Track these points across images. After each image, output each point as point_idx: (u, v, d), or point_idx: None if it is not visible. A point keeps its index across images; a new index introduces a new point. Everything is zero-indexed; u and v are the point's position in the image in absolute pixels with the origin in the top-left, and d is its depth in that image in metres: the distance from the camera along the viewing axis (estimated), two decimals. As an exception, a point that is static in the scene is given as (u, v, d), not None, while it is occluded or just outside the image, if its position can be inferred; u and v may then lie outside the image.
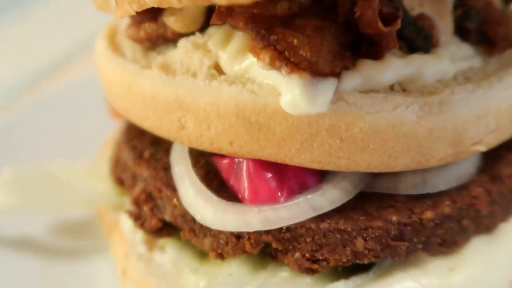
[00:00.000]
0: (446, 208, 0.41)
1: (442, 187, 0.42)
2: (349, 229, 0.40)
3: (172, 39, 0.45)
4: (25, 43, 1.09)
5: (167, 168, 0.46)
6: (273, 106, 0.37)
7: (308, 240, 0.40)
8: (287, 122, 0.37)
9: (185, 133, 0.41)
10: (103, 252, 0.56)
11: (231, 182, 0.43)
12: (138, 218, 0.47)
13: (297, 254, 0.41)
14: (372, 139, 0.37)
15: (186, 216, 0.43)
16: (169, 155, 0.47)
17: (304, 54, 0.36)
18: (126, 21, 0.48)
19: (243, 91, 0.38)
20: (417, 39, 0.40)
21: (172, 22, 0.44)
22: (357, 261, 0.40)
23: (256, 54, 0.37)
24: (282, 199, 0.40)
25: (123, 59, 0.46)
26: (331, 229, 0.40)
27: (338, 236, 0.40)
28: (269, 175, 0.41)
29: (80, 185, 0.54)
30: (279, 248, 0.41)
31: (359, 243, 0.40)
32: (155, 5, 0.38)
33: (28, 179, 0.52)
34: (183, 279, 0.45)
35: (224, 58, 0.41)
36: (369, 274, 0.42)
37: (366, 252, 0.40)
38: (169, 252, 0.47)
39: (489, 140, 0.41)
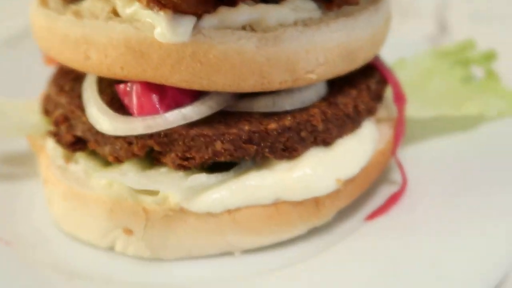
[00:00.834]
0: (287, 121, 0.52)
1: (287, 107, 0.53)
2: (211, 134, 0.51)
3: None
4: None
5: (80, 96, 0.57)
6: (151, 37, 0.48)
7: (180, 143, 0.51)
8: (160, 49, 0.48)
9: (90, 63, 0.52)
10: (36, 178, 0.66)
11: (126, 102, 0.54)
12: (56, 135, 0.58)
13: (172, 154, 0.51)
14: (224, 63, 0.48)
15: (92, 130, 0.54)
16: (83, 87, 0.59)
17: (171, -1, 0.48)
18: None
19: (130, 28, 0.49)
20: None
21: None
22: (217, 158, 0.51)
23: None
24: (161, 112, 0.52)
25: (47, 10, 0.57)
26: (198, 134, 0.50)
27: (202, 139, 0.51)
28: (153, 94, 0.52)
29: (16, 116, 0.63)
30: (159, 150, 0.51)
31: (218, 145, 0.51)
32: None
33: None
34: (90, 181, 0.57)
35: (119, 4, 0.52)
36: (229, 173, 0.53)
37: (223, 151, 0.51)
38: (81, 163, 0.57)
39: (320, 71, 0.52)
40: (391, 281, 0.49)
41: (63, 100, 0.58)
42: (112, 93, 0.56)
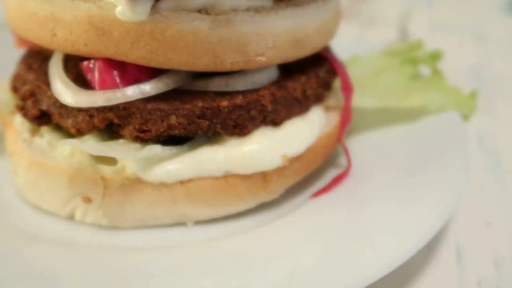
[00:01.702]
0: (238, 100, 0.56)
1: (239, 88, 0.57)
2: (166, 108, 0.54)
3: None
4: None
5: (46, 73, 0.60)
6: (112, 16, 0.51)
7: (138, 116, 0.54)
8: (121, 27, 0.52)
9: (56, 40, 0.56)
10: (4, 156, 0.69)
11: (89, 78, 0.57)
12: (23, 109, 0.61)
13: (130, 127, 0.55)
14: (179, 42, 0.52)
15: (56, 104, 0.57)
16: (50, 66, 0.62)
17: (131, -21, 0.52)
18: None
19: (94, 6, 0.53)
20: None
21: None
22: (171, 132, 0.54)
23: (100, -20, 0.53)
24: (121, 87, 0.56)
25: (18, -9, 0.61)
26: (154, 108, 0.54)
27: (158, 113, 0.54)
28: (114, 71, 0.55)
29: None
30: (118, 123, 0.55)
31: (173, 119, 0.54)
32: None
33: None
34: (54, 152, 0.60)
35: (84, -15, 0.56)
36: (183, 147, 0.57)
37: (177, 125, 0.54)
38: (46, 137, 0.60)
39: (269, 55, 0.56)
40: (331, 250, 0.53)
41: (30, 77, 0.61)
42: (77, 72, 0.59)
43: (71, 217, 0.59)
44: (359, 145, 0.69)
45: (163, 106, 0.55)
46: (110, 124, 0.56)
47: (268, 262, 0.51)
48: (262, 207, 0.61)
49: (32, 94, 0.60)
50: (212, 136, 0.57)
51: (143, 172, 0.56)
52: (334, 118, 0.67)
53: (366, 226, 0.56)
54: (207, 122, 0.55)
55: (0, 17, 1.09)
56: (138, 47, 0.53)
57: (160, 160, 0.56)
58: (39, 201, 0.60)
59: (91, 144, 0.55)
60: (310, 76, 0.62)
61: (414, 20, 1.30)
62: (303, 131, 0.60)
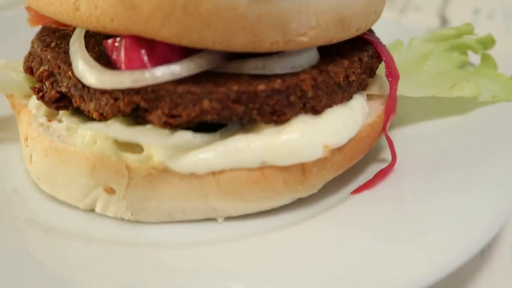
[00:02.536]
0: (277, 84, 0.54)
1: (278, 71, 0.55)
2: (199, 91, 0.52)
3: None
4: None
5: (66, 52, 0.59)
6: (143, -11, 0.51)
7: (167, 99, 0.52)
8: (151, 1, 0.50)
9: (79, 14, 0.54)
10: (17, 142, 0.68)
11: (113, 58, 0.56)
12: (40, 91, 0.60)
13: (159, 111, 0.53)
14: (214, 17, 0.50)
15: (77, 85, 0.56)
16: (70, 44, 0.61)
17: (165, -51, 0.50)
18: None
19: (122, -23, 0.53)
20: None
21: None
22: (203, 117, 0.53)
23: (131, -52, 0.51)
24: (149, 67, 0.54)
25: (36, -39, 0.60)
26: (185, 91, 0.52)
27: (190, 97, 0.52)
28: (142, 49, 0.53)
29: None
30: (145, 107, 0.53)
31: (206, 103, 0.53)
32: None
33: None
34: (73, 137, 0.58)
35: (112, -46, 0.55)
36: (216, 134, 0.55)
37: (210, 110, 0.52)
38: (65, 122, 0.59)
39: (312, 35, 0.54)
40: (372, 247, 0.51)
41: (48, 55, 0.60)
42: (99, 51, 0.58)
43: (90, 209, 0.58)
44: (405, 138, 0.67)
45: (194, 89, 0.53)
46: (136, 108, 0.54)
47: (304, 264, 0.50)
48: (299, 203, 0.60)
49: (51, 75, 0.59)
50: (247, 123, 0.56)
51: (172, 161, 0.54)
52: (378, 107, 0.65)
53: (413, 225, 0.54)
54: (243, 108, 0.54)
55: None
56: (169, 23, 0.51)
57: (190, 148, 0.55)
58: (55, 191, 0.59)
59: (116, 128, 0.53)
60: (353, 60, 0.61)
61: (454, 5, 1.28)
62: (345, 121, 0.59)
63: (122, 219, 0.57)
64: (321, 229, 0.56)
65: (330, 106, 0.59)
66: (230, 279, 0.49)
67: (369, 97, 0.66)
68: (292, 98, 0.55)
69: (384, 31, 0.73)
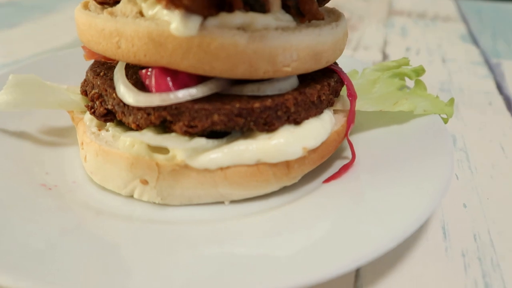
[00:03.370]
0: (268, 102, 0.52)
1: (269, 93, 0.53)
2: (210, 108, 0.50)
3: (119, 0, 0.56)
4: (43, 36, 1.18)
5: (111, 79, 0.56)
6: (168, 31, 0.48)
7: (187, 114, 0.50)
8: (174, 41, 0.48)
9: (120, 51, 0.52)
10: (75, 145, 0.66)
11: (146, 83, 0.53)
12: (92, 108, 0.57)
13: (181, 123, 0.50)
14: (221, 53, 0.48)
15: (120, 104, 0.53)
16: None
17: (184, 2, 0.47)
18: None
19: (152, 24, 0.49)
20: (255, 5, 0.50)
21: (118, -10, 0.55)
22: (214, 127, 0.50)
23: (158, 1, 0.48)
24: (173, 90, 0.51)
25: (88, 11, 0.57)
26: (200, 108, 0.50)
27: (204, 112, 0.50)
28: (168, 77, 0.51)
29: (61, 93, 0.61)
30: (171, 120, 0.51)
31: (215, 117, 0.50)
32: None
33: (25, 84, 0.59)
34: (116, 143, 0.55)
35: (144, 7, 0.51)
36: (223, 140, 0.53)
37: (219, 122, 0.50)
38: (110, 131, 0.56)
39: (293, 66, 0.52)
40: (340, 223, 0.48)
41: (98, 82, 0.57)
42: (136, 79, 0.55)
43: (130, 196, 0.55)
44: (362, 141, 0.64)
45: (207, 106, 0.50)
46: (164, 120, 0.52)
47: (288, 234, 0.47)
48: (285, 189, 0.57)
49: (100, 96, 0.56)
50: (246, 131, 0.53)
51: (190, 160, 0.51)
52: (341, 119, 0.62)
53: (369, 206, 0.51)
54: (243, 120, 0.51)
55: (70, 38, 1.06)
56: (188, 57, 0.48)
57: (204, 150, 0.52)
58: (104, 182, 0.56)
59: (149, 136, 0.50)
60: (323, 85, 0.58)
61: (392, 46, 1.25)
62: (318, 129, 0.56)
63: (154, 203, 0.54)
64: (301, 209, 0.53)
65: (307, 118, 0.56)
66: (235, 246, 0.46)
67: (335, 112, 0.63)
68: (279, 113, 0.53)
69: (345, 62, 0.71)
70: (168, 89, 0.50)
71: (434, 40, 1.30)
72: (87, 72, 0.61)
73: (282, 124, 0.53)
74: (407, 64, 0.75)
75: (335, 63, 0.64)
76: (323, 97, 0.57)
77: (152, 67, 0.52)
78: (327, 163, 0.61)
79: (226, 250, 0.45)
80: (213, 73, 0.50)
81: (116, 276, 0.40)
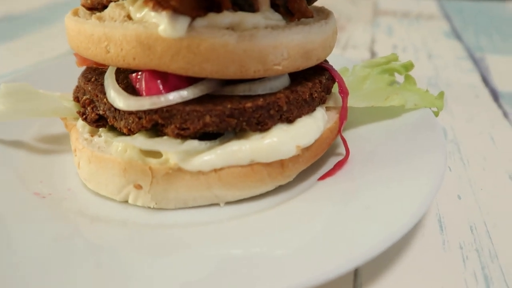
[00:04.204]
0: (260, 102, 0.49)
1: (260, 92, 0.50)
2: (202, 110, 0.47)
3: (106, 4, 0.53)
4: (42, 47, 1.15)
5: (102, 84, 0.54)
6: (156, 33, 0.45)
7: (178, 117, 0.47)
8: (163, 43, 0.45)
9: (109, 56, 0.49)
10: (69, 152, 0.63)
11: (137, 87, 0.50)
12: (83, 114, 0.54)
13: (172, 126, 0.48)
14: (211, 53, 0.45)
15: (111, 109, 0.50)
16: (105, 78, 0.55)
17: (172, 2, 0.44)
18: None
19: (140, 27, 0.46)
20: (245, 5, 0.48)
21: (106, -6, 0.52)
22: (206, 129, 0.47)
23: (146, 4, 0.45)
24: (164, 93, 0.49)
25: (77, 17, 0.54)
26: (192, 110, 0.47)
27: (195, 114, 0.47)
28: (158, 80, 0.48)
29: (54, 102, 0.58)
30: (162, 123, 0.48)
31: (207, 118, 0.47)
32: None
33: (17, 93, 0.56)
34: (109, 148, 0.52)
35: (132, 10, 0.49)
36: (216, 141, 0.50)
37: (211, 123, 0.47)
38: (103, 136, 0.53)
39: (284, 64, 0.49)
40: (337, 222, 0.46)
41: (89, 87, 0.54)
42: (127, 83, 0.52)
43: (125, 201, 0.52)
44: (355, 137, 0.61)
45: (199, 108, 0.47)
46: (155, 124, 0.49)
47: (285, 234, 0.44)
48: (280, 189, 0.54)
49: (91, 102, 0.53)
50: (239, 131, 0.50)
51: (184, 162, 0.48)
52: (334, 116, 0.59)
53: (366, 203, 0.48)
54: (235, 120, 0.48)
55: (66, 47, 1.03)
56: (177, 59, 0.45)
57: (197, 152, 0.49)
58: (98, 188, 0.53)
59: (141, 141, 0.47)
60: (315, 82, 0.55)
61: (379, 44, 1.23)
62: (311, 127, 0.53)
63: (149, 207, 0.51)
64: (297, 207, 0.50)
65: (299, 116, 0.53)
66: (231, 247, 0.43)
67: (327, 109, 0.60)
68: (271, 112, 0.50)
69: (335, 61, 0.68)
70: (158, 92, 0.48)
71: (419, 37, 1.28)
72: (78, 78, 0.58)
73: (275, 123, 0.51)
74: (396, 59, 0.72)
75: (326, 61, 0.61)
76: (315, 95, 0.54)
77: (142, 71, 0.48)
78: (321, 160, 0.58)
79: (222, 252, 0.43)
80: (203, 74, 0.47)
81: (114, 282, 0.37)
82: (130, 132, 0.50)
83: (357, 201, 0.48)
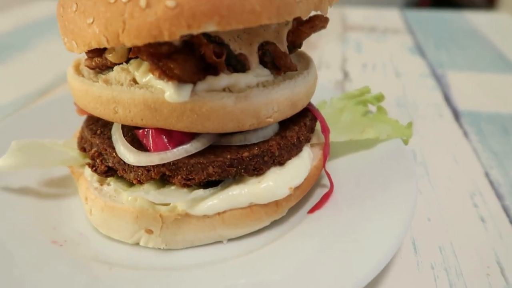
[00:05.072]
0: (255, 150, 0.55)
1: (254, 141, 0.56)
2: (205, 162, 0.53)
3: (110, 66, 0.57)
4: (22, 77, 1.17)
5: (109, 138, 0.58)
6: (162, 98, 0.50)
7: (184, 169, 0.52)
8: (169, 106, 0.50)
9: (117, 116, 0.53)
10: (76, 196, 0.67)
11: (144, 142, 0.55)
12: (93, 166, 0.58)
13: (179, 177, 0.53)
14: (212, 114, 0.51)
15: (120, 162, 0.55)
16: (111, 131, 0.59)
17: (176, 72, 0.50)
18: (84, 56, 0.60)
19: (147, 92, 0.51)
20: (237, 65, 0.54)
21: (110, 57, 0.56)
22: (209, 178, 0.53)
23: (152, 72, 0.50)
24: (170, 148, 0.54)
25: (83, 78, 0.58)
26: (196, 162, 0.52)
27: (199, 166, 0.53)
28: (163, 136, 0.53)
29: (60, 151, 0.62)
30: (170, 174, 0.53)
31: (210, 169, 0.53)
32: (97, 47, 0.49)
33: (27, 148, 0.60)
34: (119, 197, 0.57)
35: (137, 75, 0.53)
36: (218, 187, 0.55)
37: (214, 173, 0.53)
38: (112, 185, 0.58)
39: (275, 116, 0.55)
40: (328, 250, 0.52)
41: (96, 141, 0.58)
42: (132, 136, 0.57)
43: (136, 243, 0.57)
44: (336, 169, 0.68)
45: (202, 160, 0.53)
46: (163, 175, 0.54)
47: (283, 266, 0.51)
48: (274, 223, 0.60)
49: (100, 155, 0.57)
50: (238, 177, 0.56)
51: (191, 209, 0.54)
52: (318, 152, 0.66)
53: (351, 234, 0.55)
54: (235, 169, 0.54)
55: (51, 75, 1.05)
56: (182, 120, 0.51)
57: (202, 199, 0.54)
58: (110, 233, 0.58)
59: (152, 195, 0.52)
60: (301, 126, 0.61)
61: (350, 63, 1.31)
62: (300, 168, 0.60)
63: (159, 249, 0.56)
64: (290, 243, 0.55)
65: (289, 159, 0.59)
66: (237, 278, 0.49)
67: (312, 145, 0.66)
68: (265, 158, 0.56)
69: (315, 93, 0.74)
70: (164, 147, 0.53)
71: (387, 53, 1.37)
72: (82, 129, 0.62)
73: (268, 167, 0.56)
74: (368, 91, 0.80)
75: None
76: (302, 137, 0.61)
77: (149, 128, 0.53)
78: (309, 192, 0.65)
79: (228, 284, 0.48)
80: (205, 131, 0.52)
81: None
82: (139, 183, 0.54)
83: (345, 234, 0.55)
